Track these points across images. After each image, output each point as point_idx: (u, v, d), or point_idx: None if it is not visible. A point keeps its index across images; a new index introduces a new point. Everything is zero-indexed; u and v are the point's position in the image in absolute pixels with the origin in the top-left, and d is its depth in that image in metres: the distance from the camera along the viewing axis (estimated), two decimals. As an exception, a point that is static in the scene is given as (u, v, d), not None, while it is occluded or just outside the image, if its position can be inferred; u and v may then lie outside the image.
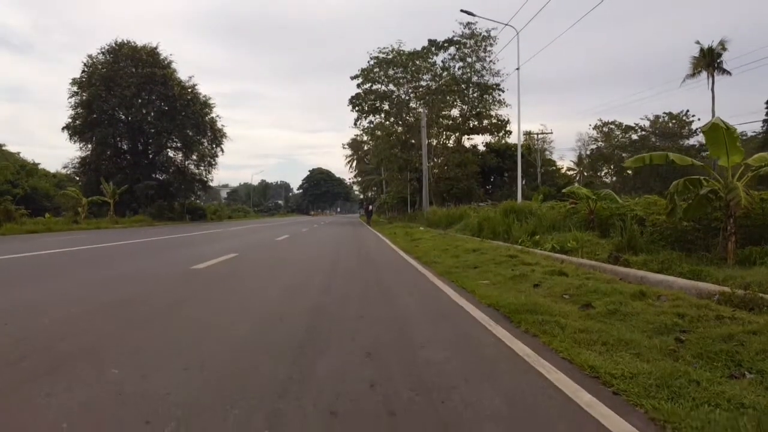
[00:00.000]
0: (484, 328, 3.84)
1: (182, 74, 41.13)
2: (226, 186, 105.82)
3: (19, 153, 49.31)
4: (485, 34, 34.13)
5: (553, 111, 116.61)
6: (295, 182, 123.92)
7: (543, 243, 10.79)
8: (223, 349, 3.13)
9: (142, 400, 2.23)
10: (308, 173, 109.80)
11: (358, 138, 50.14)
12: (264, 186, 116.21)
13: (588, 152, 58.33)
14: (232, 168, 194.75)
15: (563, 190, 15.30)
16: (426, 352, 3.12)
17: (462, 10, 18.77)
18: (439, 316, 4.39)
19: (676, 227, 9.18)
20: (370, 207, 44.98)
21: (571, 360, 2.92)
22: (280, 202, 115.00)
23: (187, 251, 10.85)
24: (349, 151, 74.25)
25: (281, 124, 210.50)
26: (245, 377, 2.58)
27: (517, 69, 17.50)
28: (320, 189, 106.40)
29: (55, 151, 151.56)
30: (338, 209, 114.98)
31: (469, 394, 2.39)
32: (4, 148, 47.35)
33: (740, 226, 8.06)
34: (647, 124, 53.41)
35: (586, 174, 57.87)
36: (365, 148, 55.37)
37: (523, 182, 30.55)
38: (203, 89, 39.19)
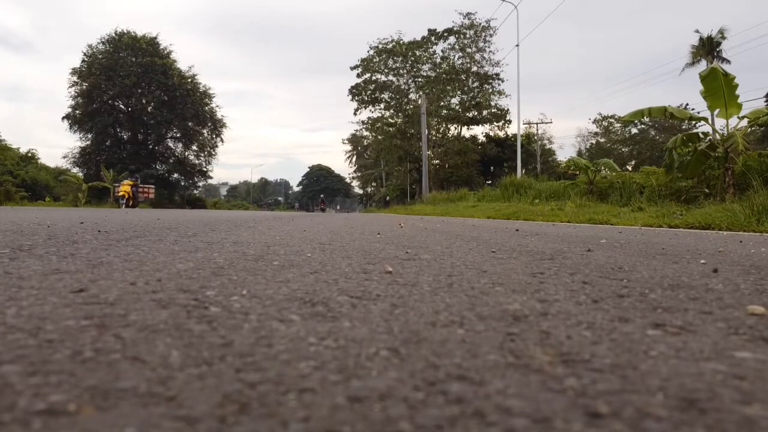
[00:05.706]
0: (480, 221, 3.87)
1: (182, 67, 41.09)
2: (225, 184, 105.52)
3: (18, 148, 49.27)
4: (485, 24, 34.22)
5: (551, 110, 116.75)
6: (295, 181, 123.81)
7: (543, 207, 10.84)
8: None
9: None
10: (308, 169, 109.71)
11: (358, 133, 50.39)
12: (263, 183, 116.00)
13: (587, 147, 58.32)
14: (232, 167, 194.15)
15: (564, 162, 15.34)
16: (427, 232, 3.14)
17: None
18: (438, 221, 4.42)
19: (675, 186, 9.22)
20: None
21: (569, 221, 2.95)
22: (279, 198, 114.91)
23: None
24: (349, 147, 74.39)
25: (281, 123, 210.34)
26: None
27: (517, 45, 17.59)
28: (319, 185, 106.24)
29: (53, 150, 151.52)
30: (338, 206, 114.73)
31: (463, 232, 2.41)
32: (3, 142, 47.26)
33: (737, 184, 8.11)
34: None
35: (585, 168, 57.79)
36: (365, 143, 55.54)
37: (523, 171, 30.59)
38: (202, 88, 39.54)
